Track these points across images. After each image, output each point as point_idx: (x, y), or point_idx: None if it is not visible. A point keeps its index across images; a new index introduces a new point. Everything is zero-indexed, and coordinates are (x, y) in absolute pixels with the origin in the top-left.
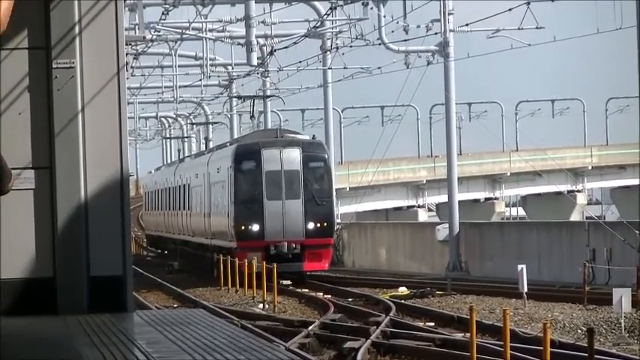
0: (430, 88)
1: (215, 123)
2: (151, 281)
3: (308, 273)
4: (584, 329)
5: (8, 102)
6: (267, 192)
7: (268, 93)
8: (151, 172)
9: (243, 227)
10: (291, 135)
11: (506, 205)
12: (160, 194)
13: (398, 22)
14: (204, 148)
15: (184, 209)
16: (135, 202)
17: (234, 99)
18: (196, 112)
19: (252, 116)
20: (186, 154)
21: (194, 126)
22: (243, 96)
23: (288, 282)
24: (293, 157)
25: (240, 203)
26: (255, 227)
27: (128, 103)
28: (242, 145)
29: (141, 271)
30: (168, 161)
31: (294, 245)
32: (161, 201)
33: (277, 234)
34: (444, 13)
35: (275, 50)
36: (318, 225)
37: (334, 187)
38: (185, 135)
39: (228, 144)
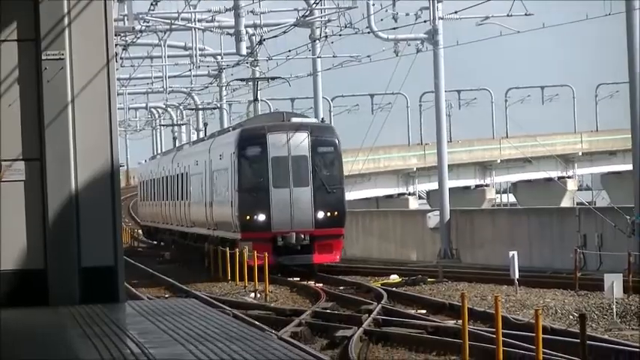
0: (420, 76)
1: (214, 108)
2: (143, 271)
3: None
4: (576, 315)
5: None
6: (273, 179)
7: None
8: (145, 160)
9: (248, 217)
10: (299, 118)
11: (497, 192)
12: (156, 184)
13: (387, 11)
14: (201, 135)
15: (183, 199)
16: (125, 193)
17: (223, 87)
18: (186, 103)
19: (255, 99)
20: (184, 142)
21: (190, 112)
22: (246, 79)
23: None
24: (301, 141)
25: (245, 191)
26: (261, 217)
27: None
28: (246, 129)
29: (132, 261)
30: (159, 151)
31: (302, 236)
32: (157, 191)
33: (285, 224)
34: (433, 0)
35: (264, 40)
36: (329, 214)
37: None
38: (179, 122)
39: (230, 129)
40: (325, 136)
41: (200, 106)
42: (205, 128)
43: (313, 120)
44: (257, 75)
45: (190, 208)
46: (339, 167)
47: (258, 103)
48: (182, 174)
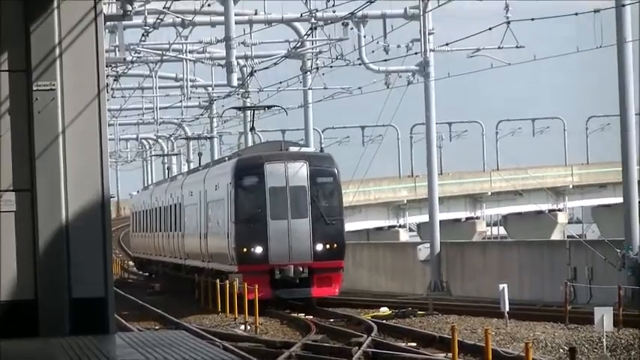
0: (411, 108)
1: (207, 138)
2: (133, 303)
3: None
4: (566, 348)
5: None
6: (271, 210)
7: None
8: (138, 191)
9: (244, 249)
10: (297, 148)
11: (488, 225)
12: (149, 215)
13: (378, 42)
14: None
15: (177, 230)
16: (115, 224)
17: (214, 119)
18: (177, 134)
19: (252, 128)
20: (177, 173)
21: (181, 143)
22: (242, 107)
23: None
24: (299, 171)
25: (242, 223)
26: (259, 249)
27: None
28: (243, 158)
29: (122, 292)
30: (150, 182)
31: (301, 269)
32: (150, 222)
33: (283, 256)
34: (424, 32)
35: (255, 71)
36: (328, 246)
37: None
38: (172, 152)
39: (226, 158)
40: (324, 165)
41: (191, 137)
42: (200, 158)
43: (312, 149)
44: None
45: (184, 239)
46: (338, 198)
47: (254, 132)
48: (176, 205)
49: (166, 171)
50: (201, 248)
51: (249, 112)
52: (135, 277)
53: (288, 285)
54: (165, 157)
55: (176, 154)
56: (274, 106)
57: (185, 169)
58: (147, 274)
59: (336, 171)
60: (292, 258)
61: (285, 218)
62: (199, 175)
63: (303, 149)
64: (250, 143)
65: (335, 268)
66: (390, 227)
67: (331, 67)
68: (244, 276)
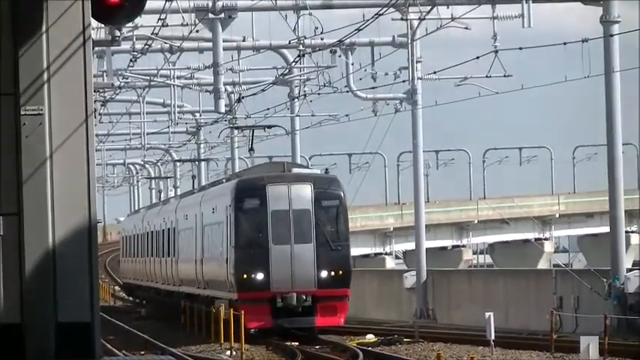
0: (398, 136)
1: (207, 160)
2: (119, 328)
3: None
4: None
5: None
6: (273, 235)
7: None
8: (128, 214)
9: (245, 276)
10: (300, 169)
11: (474, 253)
12: (140, 239)
13: (366, 70)
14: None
15: (170, 256)
16: (102, 249)
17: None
18: (164, 159)
19: (250, 149)
20: (169, 196)
21: (169, 168)
22: (242, 126)
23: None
24: (303, 194)
25: (242, 248)
26: (260, 276)
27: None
28: (244, 180)
29: (108, 317)
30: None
31: (304, 297)
32: (141, 246)
33: (285, 283)
34: (412, 61)
35: (243, 97)
36: (333, 273)
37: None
38: (164, 175)
39: (224, 180)
40: (330, 188)
41: (182, 159)
42: (193, 181)
43: (316, 171)
44: (235, 133)
45: (178, 265)
46: (344, 222)
47: (252, 154)
48: (169, 229)
49: (157, 194)
50: (196, 274)
51: (247, 132)
52: (121, 302)
53: (291, 314)
54: (154, 182)
55: (167, 178)
56: (275, 125)
57: (172, 194)
58: (136, 300)
59: (342, 194)
60: (295, 285)
61: (287, 243)
62: (195, 198)
63: (308, 170)
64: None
65: (340, 296)
66: (376, 254)
67: (319, 94)
68: (243, 304)
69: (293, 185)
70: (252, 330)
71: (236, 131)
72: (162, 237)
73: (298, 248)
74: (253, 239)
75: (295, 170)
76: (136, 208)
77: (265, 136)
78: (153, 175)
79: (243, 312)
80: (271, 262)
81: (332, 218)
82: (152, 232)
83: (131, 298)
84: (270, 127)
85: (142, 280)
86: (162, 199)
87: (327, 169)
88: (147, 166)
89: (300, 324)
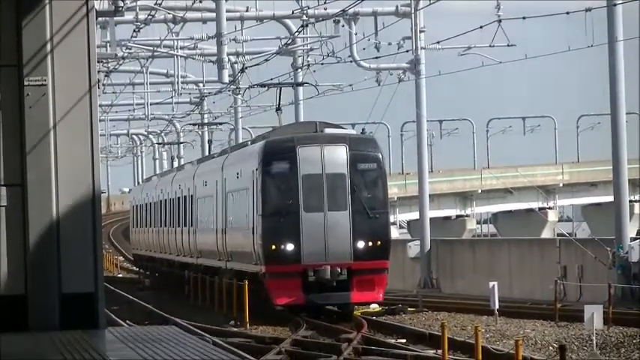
0: (401, 106)
1: (221, 123)
2: (123, 298)
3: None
4: (556, 346)
5: None
6: (304, 201)
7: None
8: (139, 182)
9: (273, 247)
10: (335, 129)
11: (478, 222)
12: (152, 208)
13: (369, 40)
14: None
15: (187, 225)
16: (105, 220)
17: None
18: (167, 130)
19: (278, 108)
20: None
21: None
22: (268, 84)
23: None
24: (338, 156)
25: (270, 216)
26: (289, 247)
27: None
28: (272, 141)
29: (112, 288)
30: (141, 178)
31: (339, 270)
32: (154, 216)
33: (317, 255)
34: (416, 30)
35: (246, 67)
36: (370, 244)
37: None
38: (181, 140)
39: (249, 142)
40: (367, 149)
41: (205, 122)
42: (209, 145)
43: (352, 131)
44: (239, 103)
45: (196, 235)
46: (382, 188)
47: (280, 113)
48: (186, 197)
49: (170, 160)
50: (217, 245)
51: (290, 83)
52: (125, 272)
53: (324, 289)
54: (170, 148)
55: (183, 143)
56: (305, 83)
57: (176, 164)
58: (147, 272)
59: (381, 156)
60: (329, 257)
61: (320, 211)
62: (216, 163)
63: (342, 130)
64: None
65: (378, 269)
66: None
67: (322, 64)
68: (271, 278)
69: (326, 147)
70: (280, 307)
71: (239, 101)
72: (179, 205)
73: (332, 216)
74: (282, 206)
75: (328, 130)
76: (148, 176)
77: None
78: (156, 145)
79: (269, 287)
80: (302, 232)
81: (369, 183)
82: (166, 200)
83: (141, 270)
84: (299, 84)
85: (154, 252)
86: (176, 166)
87: (363, 130)
88: (150, 136)
89: (335, 300)
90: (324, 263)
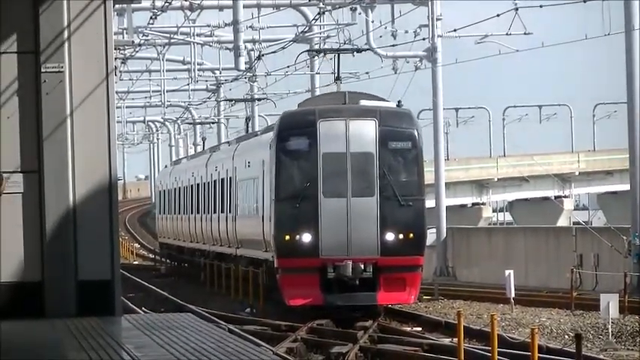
0: (418, 94)
1: (261, 99)
2: (139, 285)
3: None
4: (572, 335)
5: None
6: (324, 184)
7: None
8: (166, 165)
9: (287, 237)
10: (366, 100)
11: (494, 211)
12: (182, 193)
13: (386, 28)
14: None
15: (224, 212)
16: (121, 207)
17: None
18: (184, 117)
19: (337, 78)
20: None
21: (188, 126)
22: (326, 49)
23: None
24: (365, 132)
25: (284, 201)
26: (306, 237)
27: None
28: (290, 114)
29: (128, 275)
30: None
31: (363, 266)
32: (185, 202)
33: (339, 249)
34: (432, 18)
35: (263, 55)
36: (402, 236)
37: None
38: (212, 120)
39: None
40: (401, 125)
41: (197, 121)
42: (247, 123)
43: (386, 103)
44: (255, 90)
45: (237, 223)
46: (418, 170)
47: (340, 83)
48: (223, 180)
49: (202, 141)
50: (264, 234)
51: (335, 55)
52: (141, 259)
53: (345, 288)
54: (197, 129)
55: (213, 122)
56: (366, 49)
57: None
58: (174, 263)
59: (417, 133)
60: (352, 251)
61: (343, 196)
62: (260, 140)
63: (373, 102)
64: (258, 127)
65: (411, 266)
66: None
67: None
68: (284, 274)
69: (352, 121)
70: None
71: (255, 89)
72: (214, 190)
73: (357, 203)
74: (299, 190)
75: (362, 103)
76: (176, 158)
77: (285, 93)
78: (173, 132)
79: (282, 285)
80: (321, 221)
81: (402, 164)
82: (199, 184)
83: (168, 261)
84: (359, 50)
85: (184, 241)
86: (210, 147)
87: (399, 102)
88: (167, 123)
89: (358, 301)
90: (346, 258)
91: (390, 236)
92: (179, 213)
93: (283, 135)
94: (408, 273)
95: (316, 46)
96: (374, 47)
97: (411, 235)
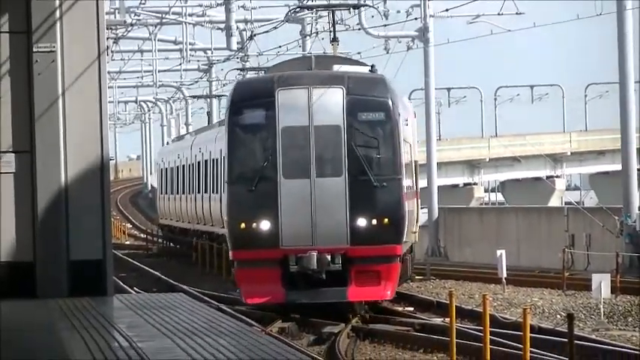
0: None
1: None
2: (131, 265)
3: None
4: (564, 315)
5: None
6: (284, 164)
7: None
8: (168, 142)
9: (242, 225)
10: (338, 65)
11: (485, 191)
12: (186, 171)
13: (378, 8)
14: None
15: (219, 192)
16: (113, 187)
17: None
18: (176, 97)
19: (333, 39)
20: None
21: (190, 100)
22: (321, 5)
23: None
24: (332, 102)
25: (238, 183)
26: (264, 225)
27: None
28: (245, 82)
29: (120, 255)
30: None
31: (330, 257)
32: (189, 181)
33: (302, 238)
34: None
35: (255, 35)
36: (375, 222)
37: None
38: (214, 94)
39: None
40: (372, 93)
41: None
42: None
43: (357, 68)
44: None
45: None
46: (393, 145)
47: (336, 45)
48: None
49: (207, 116)
50: None
51: (330, 13)
52: (133, 239)
53: (311, 282)
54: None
55: (220, 97)
56: (364, 5)
57: (183, 131)
58: (177, 246)
59: (391, 102)
60: (317, 240)
61: (306, 177)
62: None
63: (341, 67)
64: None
65: (386, 256)
66: None
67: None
68: (240, 268)
69: (316, 89)
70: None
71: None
72: (222, 167)
73: (322, 184)
74: (254, 171)
75: (334, 68)
76: (178, 135)
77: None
78: (164, 112)
79: (239, 281)
80: (281, 206)
81: (375, 139)
82: (206, 161)
83: (171, 244)
84: (356, 7)
85: (188, 223)
86: (219, 120)
87: (373, 66)
88: (158, 103)
89: (325, 298)
90: (311, 248)
91: (361, 222)
92: (183, 193)
93: (236, 107)
94: (383, 264)
95: (308, 27)
96: (366, 27)
97: (386, 220)
